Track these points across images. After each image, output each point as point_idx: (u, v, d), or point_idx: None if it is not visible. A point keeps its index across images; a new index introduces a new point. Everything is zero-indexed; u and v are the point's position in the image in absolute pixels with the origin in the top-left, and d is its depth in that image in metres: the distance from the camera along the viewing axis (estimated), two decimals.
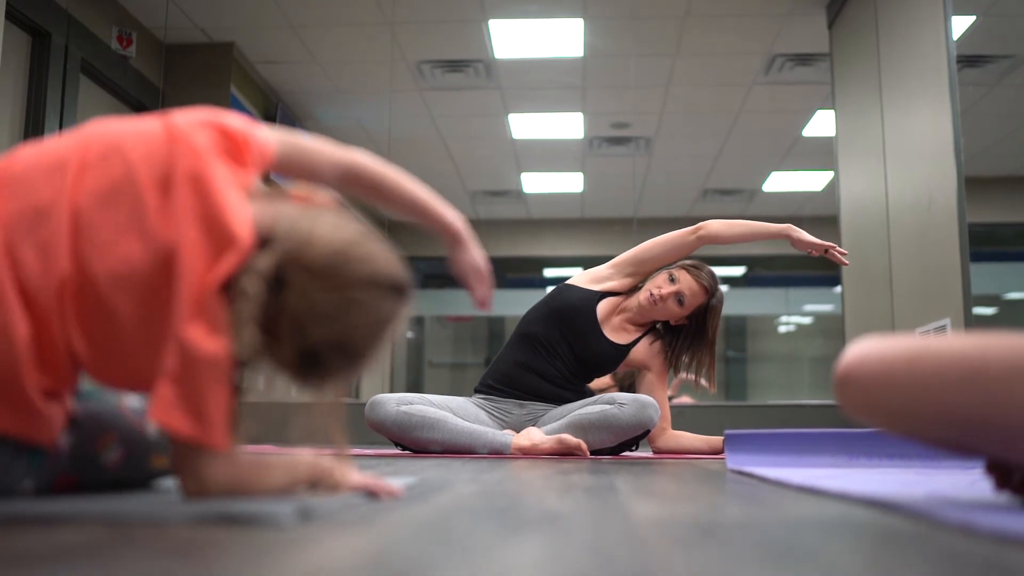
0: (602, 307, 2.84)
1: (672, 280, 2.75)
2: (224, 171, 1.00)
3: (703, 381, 2.82)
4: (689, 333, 2.81)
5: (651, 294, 2.75)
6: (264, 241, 0.98)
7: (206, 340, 0.92)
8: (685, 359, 2.82)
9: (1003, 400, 0.90)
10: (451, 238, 1.37)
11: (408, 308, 1.05)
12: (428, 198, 1.29)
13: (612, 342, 2.81)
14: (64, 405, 1.02)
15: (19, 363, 0.93)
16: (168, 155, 0.99)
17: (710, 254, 9.76)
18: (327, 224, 1.01)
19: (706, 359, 2.79)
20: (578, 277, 2.92)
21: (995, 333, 0.94)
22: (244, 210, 0.98)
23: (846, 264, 2.81)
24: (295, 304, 0.96)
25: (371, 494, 1.07)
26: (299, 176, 1.14)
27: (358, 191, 1.21)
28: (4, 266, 0.93)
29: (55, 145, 1.02)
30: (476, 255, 1.42)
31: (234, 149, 1.04)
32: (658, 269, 2.86)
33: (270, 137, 1.10)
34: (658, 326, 2.90)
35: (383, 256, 1.02)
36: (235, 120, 1.07)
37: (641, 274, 2.88)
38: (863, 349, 1.00)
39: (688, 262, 2.81)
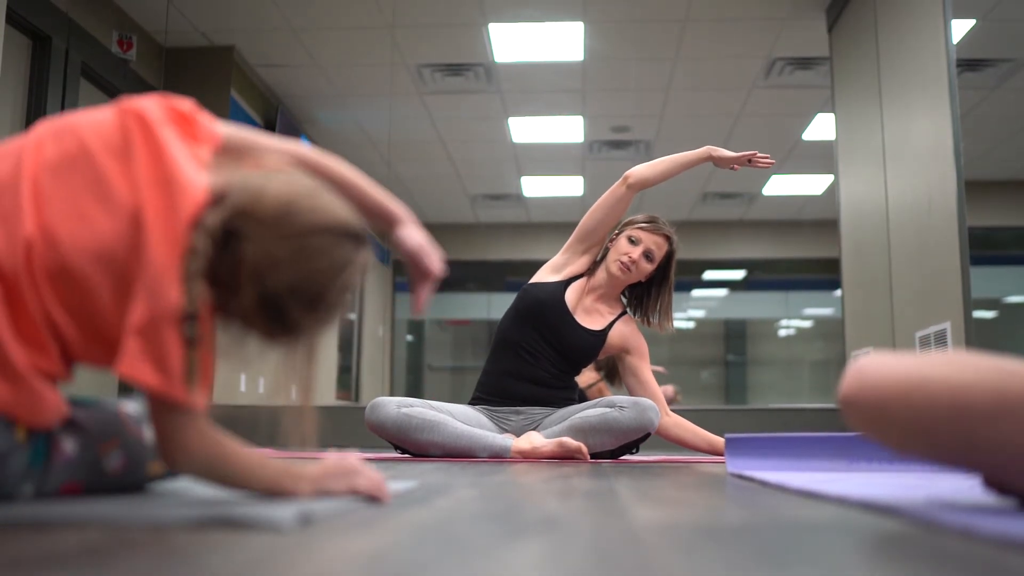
0: (569, 294, 2.86)
1: (633, 242, 2.80)
2: (175, 137, 1.04)
3: (657, 322, 2.87)
4: (655, 283, 2.86)
5: (621, 263, 2.77)
6: (218, 200, 1.01)
7: (172, 293, 0.95)
8: (656, 307, 2.87)
9: (987, 435, 0.94)
10: (394, 220, 1.36)
11: (365, 256, 1.07)
12: (371, 186, 1.33)
13: (588, 330, 2.82)
14: (58, 393, 1.02)
15: None
16: (121, 127, 1.03)
17: (710, 257, 9.79)
18: (279, 180, 1.05)
19: (665, 300, 2.86)
20: (538, 274, 2.95)
21: (986, 362, 0.97)
22: (197, 170, 1.01)
23: (771, 164, 2.88)
24: (251, 254, 0.99)
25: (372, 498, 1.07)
26: (248, 165, 1.15)
27: None
28: None
29: (10, 141, 1.07)
30: (421, 234, 1.39)
31: (183, 123, 1.08)
32: (610, 236, 2.88)
33: (217, 124, 1.14)
34: (624, 296, 2.92)
35: (335, 206, 1.06)
36: (183, 102, 1.11)
37: (595, 245, 2.91)
38: (861, 375, 1.04)
39: (640, 219, 2.85)
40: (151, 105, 1.06)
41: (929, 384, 0.97)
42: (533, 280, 2.93)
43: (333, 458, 1.11)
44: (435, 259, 1.38)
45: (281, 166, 1.11)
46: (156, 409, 0.98)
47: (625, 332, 2.86)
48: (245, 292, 1.00)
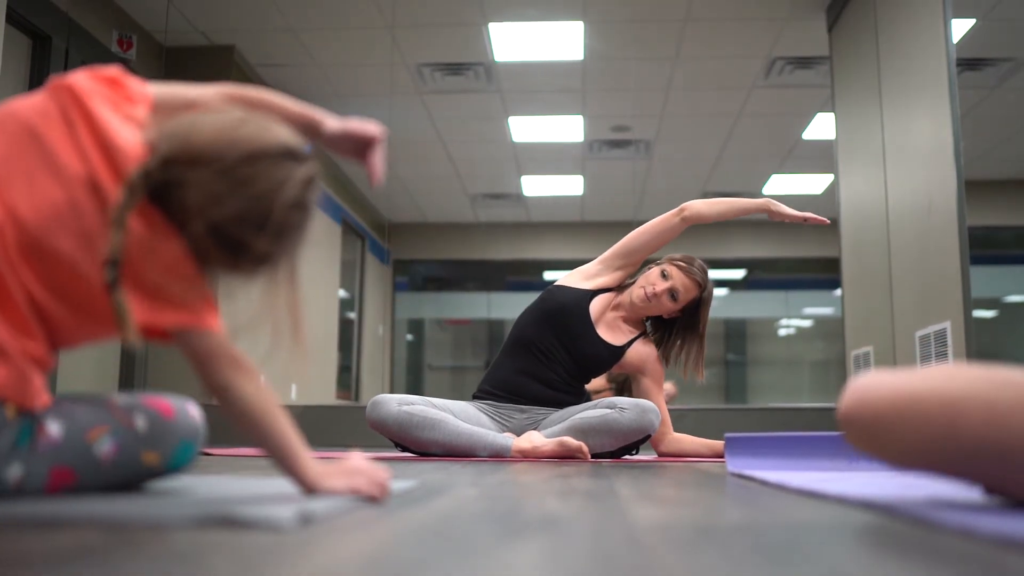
0: (595, 305, 2.84)
1: (664, 276, 2.77)
2: (105, 104, 1.07)
3: (688, 371, 2.84)
4: (681, 326, 2.83)
5: (645, 291, 2.76)
6: (153, 152, 1.05)
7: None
8: (676, 352, 2.84)
9: (981, 447, 0.95)
10: (316, 123, 1.33)
11: (306, 170, 1.08)
12: (293, 104, 1.33)
13: (606, 343, 2.81)
14: (43, 379, 1.04)
15: None
16: (57, 103, 1.07)
17: (710, 255, 9.78)
18: (206, 119, 1.08)
19: (695, 349, 2.81)
20: (568, 276, 2.93)
21: (977, 373, 0.98)
22: (131, 130, 1.06)
23: (827, 223, 2.84)
24: (192, 195, 1.02)
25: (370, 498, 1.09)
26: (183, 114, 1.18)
27: None
28: None
29: None
30: (341, 119, 1.37)
31: (113, 87, 1.12)
32: (647, 262, 2.87)
33: (147, 84, 1.19)
34: (648, 324, 2.91)
35: (265, 130, 1.08)
36: (109, 69, 1.15)
37: (632, 265, 2.89)
38: (858, 393, 1.05)
39: (678, 257, 2.82)
40: (80, 77, 1.10)
41: (922, 398, 0.99)
42: (561, 282, 2.91)
43: (343, 459, 1.13)
44: (367, 124, 1.35)
45: (214, 107, 1.14)
46: (196, 358, 1.04)
47: (643, 353, 2.85)
48: (196, 230, 1.03)
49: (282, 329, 1.10)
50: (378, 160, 1.35)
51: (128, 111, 1.09)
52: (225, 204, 1.03)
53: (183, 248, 1.03)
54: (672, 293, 2.75)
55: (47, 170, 1.02)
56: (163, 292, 1.02)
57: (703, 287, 2.78)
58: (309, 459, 1.08)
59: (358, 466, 1.11)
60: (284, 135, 1.09)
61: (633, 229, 2.91)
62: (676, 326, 2.84)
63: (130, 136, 1.05)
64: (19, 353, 0.99)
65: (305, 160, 1.09)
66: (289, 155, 1.07)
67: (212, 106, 1.14)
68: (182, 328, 1.03)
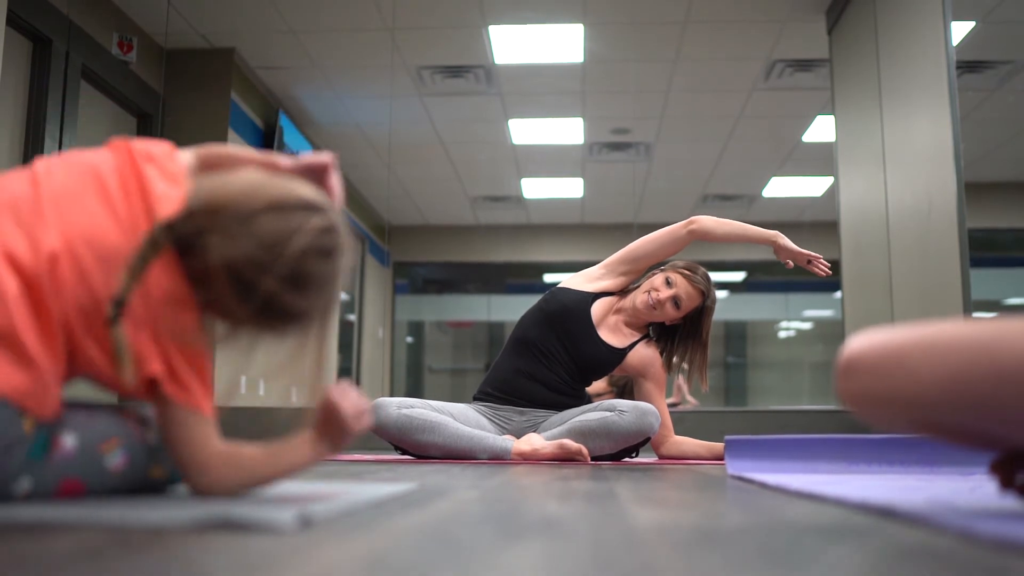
0: (597, 308, 2.85)
1: (668, 284, 2.77)
2: (152, 164, 1.13)
3: (687, 382, 2.84)
4: (684, 334, 2.82)
5: (649, 297, 2.76)
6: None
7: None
8: (678, 359, 2.83)
9: (1020, 382, 0.87)
10: (273, 164, 1.37)
11: (325, 219, 1.11)
12: (254, 152, 1.39)
13: (608, 345, 2.81)
14: (60, 392, 1.06)
15: (13, 316, 0.99)
16: (117, 157, 1.14)
17: (710, 258, 9.78)
18: (233, 177, 1.13)
19: (698, 358, 2.81)
20: (571, 279, 2.93)
21: (1008, 318, 0.91)
22: (168, 186, 1.11)
23: (828, 274, 2.82)
24: (215, 248, 1.06)
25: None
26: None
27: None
28: None
29: (12, 171, 1.16)
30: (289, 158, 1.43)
31: (158, 159, 1.17)
32: (651, 268, 2.88)
33: (182, 152, 1.24)
34: (651, 330, 2.90)
35: (287, 186, 1.12)
36: (159, 144, 1.21)
37: (635, 272, 2.89)
38: (869, 337, 0.99)
39: (682, 265, 2.82)
40: (138, 142, 1.17)
41: (952, 333, 0.92)
42: (563, 284, 2.92)
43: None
44: (318, 155, 1.41)
45: (244, 169, 1.18)
46: (169, 427, 1.07)
47: (646, 356, 2.85)
48: (221, 287, 1.06)
49: (303, 382, 1.16)
50: (335, 183, 1.43)
51: (172, 172, 1.14)
52: (241, 248, 1.06)
53: (198, 319, 1.07)
54: (675, 301, 2.75)
55: (105, 209, 1.08)
56: (168, 349, 1.05)
57: (706, 295, 2.78)
58: (294, 453, 1.14)
59: (336, 405, 1.17)
60: (305, 190, 1.14)
61: (633, 231, 2.92)
62: (679, 334, 2.83)
63: (169, 191, 1.10)
64: (46, 365, 1.01)
65: (323, 211, 1.12)
66: (308, 207, 1.11)
67: (243, 169, 1.19)
68: (173, 398, 1.06)
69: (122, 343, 1.02)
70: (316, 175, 1.41)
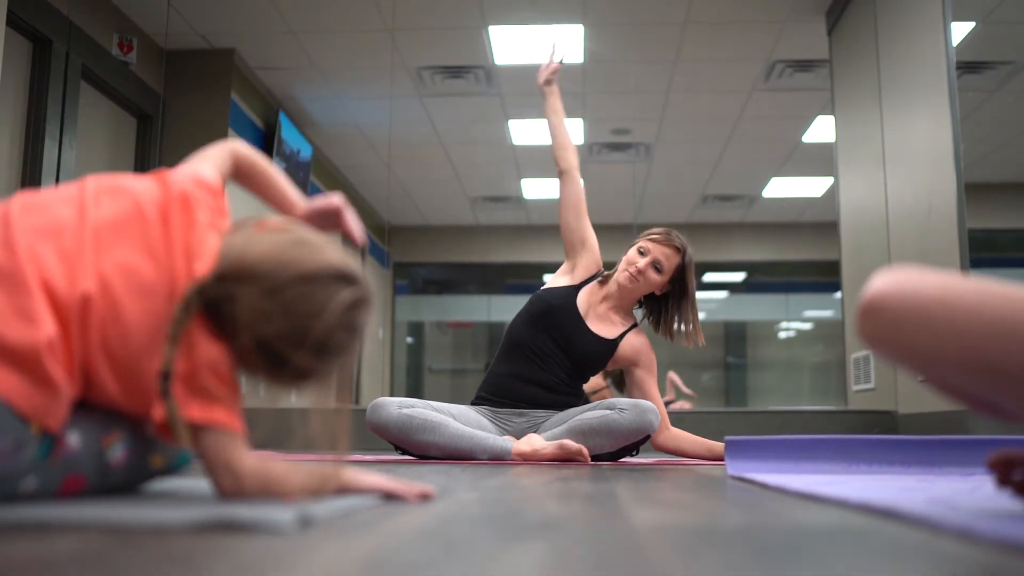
0: (582, 299, 2.86)
1: (642, 253, 2.80)
2: (206, 213, 1.15)
3: (682, 340, 2.86)
4: (674, 297, 2.83)
5: (629, 273, 2.77)
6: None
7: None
8: (677, 325, 2.84)
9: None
10: (290, 208, 1.44)
11: (354, 293, 1.10)
12: (285, 184, 1.45)
13: (599, 337, 2.82)
14: (69, 410, 1.06)
15: (42, 355, 0.99)
16: (164, 195, 1.14)
17: (710, 260, 9.79)
18: (263, 236, 1.12)
19: (690, 316, 2.82)
20: (551, 280, 2.98)
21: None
22: (211, 245, 1.11)
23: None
24: (242, 311, 1.06)
25: (391, 496, 1.14)
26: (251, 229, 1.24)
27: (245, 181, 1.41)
28: (30, 263, 1.03)
29: (64, 187, 1.16)
30: (307, 204, 1.47)
31: (215, 197, 1.20)
32: (630, 249, 2.88)
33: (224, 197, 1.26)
34: (643, 305, 2.91)
35: (318, 250, 1.11)
36: (213, 180, 1.23)
37: (585, 239, 2.94)
38: (896, 278, 0.93)
39: (650, 232, 2.85)
40: (189, 183, 1.17)
41: (977, 293, 0.88)
42: (546, 286, 2.96)
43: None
44: (328, 198, 1.46)
45: (275, 226, 1.17)
46: (211, 447, 1.05)
47: (636, 344, 2.86)
48: (246, 349, 1.06)
49: (323, 433, 1.13)
50: (352, 223, 1.46)
51: (218, 223, 1.16)
52: (271, 322, 1.06)
53: (227, 354, 1.07)
54: (656, 265, 2.78)
55: (146, 251, 1.08)
56: (201, 389, 1.05)
57: (683, 251, 2.80)
58: (324, 473, 1.11)
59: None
60: (335, 257, 1.11)
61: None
62: (669, 300, 2.84)
63: (208, 251, 1.10)
64: (65, 390, 1.02)
65: (354, 283, 1.11)
66: (339, 278, 1.09)
67: (274, 225, 1.18)
68: (210, 424, 1.05)
69: (176, 414, 1.02)
70: (330, 218, 1.45)
